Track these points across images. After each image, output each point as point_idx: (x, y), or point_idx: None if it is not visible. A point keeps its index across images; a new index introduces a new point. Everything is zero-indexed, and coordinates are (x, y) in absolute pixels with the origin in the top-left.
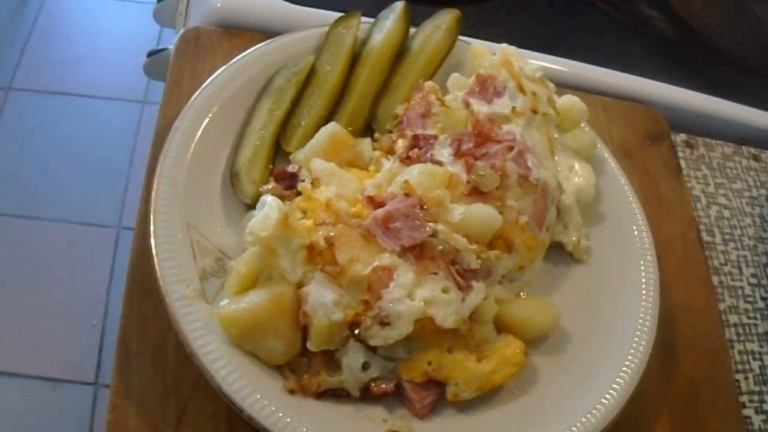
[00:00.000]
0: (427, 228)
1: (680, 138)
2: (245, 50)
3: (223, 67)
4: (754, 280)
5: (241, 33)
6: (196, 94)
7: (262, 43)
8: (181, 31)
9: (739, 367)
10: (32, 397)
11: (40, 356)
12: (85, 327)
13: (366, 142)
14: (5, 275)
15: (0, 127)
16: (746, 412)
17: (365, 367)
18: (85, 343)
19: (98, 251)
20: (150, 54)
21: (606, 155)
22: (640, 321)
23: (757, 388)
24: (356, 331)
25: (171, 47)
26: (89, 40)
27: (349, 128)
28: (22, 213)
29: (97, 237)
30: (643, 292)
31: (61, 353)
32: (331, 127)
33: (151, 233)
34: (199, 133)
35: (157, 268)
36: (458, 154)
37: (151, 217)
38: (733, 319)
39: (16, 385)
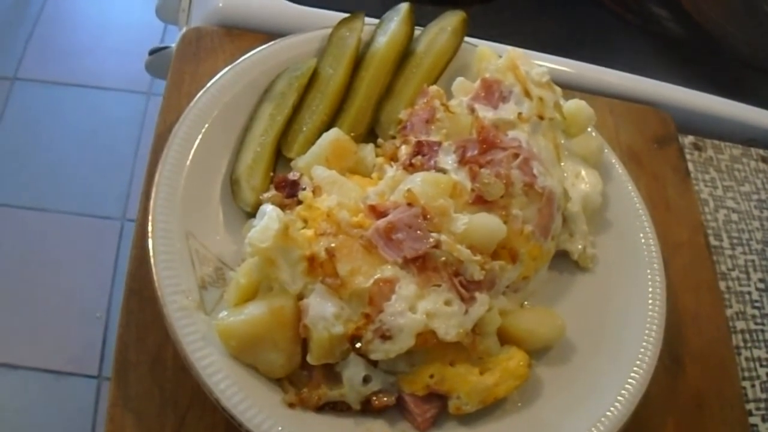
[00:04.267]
0: (430, 239)
1: (688, 140)
2: (247, 52)
3: (224, 71)
4: (761, 285)
5: (242, 34)
6: (195, 98)
7: (263, 46)
8: (183, 30)
9: (746, 374)
10: (36, 390)
11: (44, 348)
12: (88, 319)
13: (369, 148)
14: (9, 267)
15: (5, 117)
16: (753, 420)
17: (366, 380)
18: (89, 335)
19: (102, 243)
20: (152, 52)
21: (613, 161)
22: (647, 331)
23: (764, 396)
24: (357, 345)
25: (173, 46)
26: (95, 31)
27: (352, 134)
28: (26, 204)
29: (101, 229)
30: (650, 301)
31: (65, 345)
32: (333, 133)
33: (150, 242)
34: (198, 139)
35: (155, 278)
36: (462, 161)
37: (150, 225)
38: (740, 325)
39: (20, 377)
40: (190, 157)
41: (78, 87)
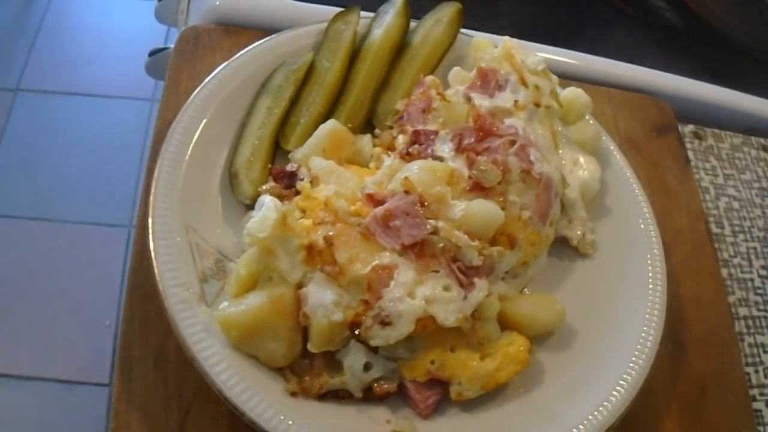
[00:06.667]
0: (428, 225)
1: (688, 129)
2: (244, 48)
3: (221, 66)
4: (764, 272)
5: (240, 31)
6: (193, 94)
7: (260, 41)
8: (181, 30)
9: (750, 360)
10: (47, 400)
11: (54, 358)
12: (98, 328)
13: (366, 139)
14: (17, 278)
15: (8, 128)
16: (757, 405)
17: (367, 367)
18: (99, 344)
19: (110, 251)
20: (151, 53)
21: (611, 148)
22: (648, 316)
23: (767, 381)
24: (357, 332)
25: (172, 46)
26: (96, 39)
27: (349, 125)
28: (32, 215)
29: (108, 237)
30: (650, 286)
31: (75, 355)
32: (331, 124)
33: (150, 236)
34: (197, 134)
35: (156, 271)
36: (459, 149)
37: (150, 220)
38: (743, 311)
39: (31, 388)
40: (189, 151)
41: (81, 96)
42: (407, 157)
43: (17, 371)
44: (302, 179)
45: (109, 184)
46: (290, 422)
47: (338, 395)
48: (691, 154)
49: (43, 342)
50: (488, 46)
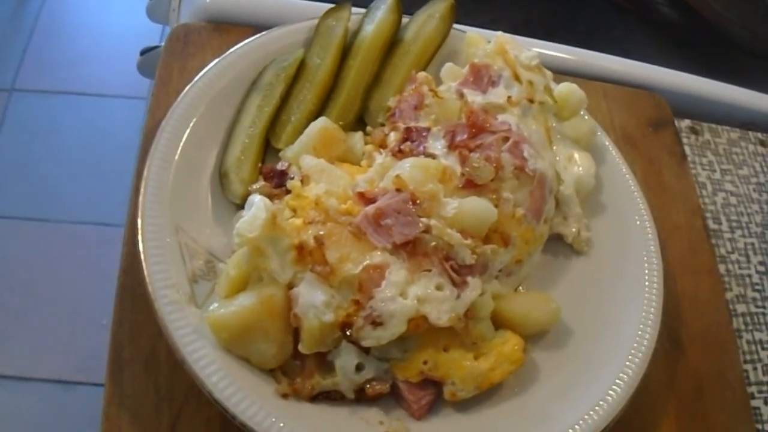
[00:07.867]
0: (420, 224)
1: (685, 124)
2: (234, 46)
3: (211, 64)
4: (762, 268)
5: (230, 28)
6: (182, 93)
7: (250, 38)
8: (172, 28)
9: (748, 357)
10: (44, 401)
11: (51, 359)
12: (95, 327)
13: (358, 136)
14: (12, 278)
15: (4, 128)
16: (755, 403)
17: (359, 368)
18: (96, 343)
19: (106, 250)
20: (143, 52)
21: (607, 143)
22: (644, 313)
23: (766, 379)
24: (348, 332)
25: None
26: (92, 38)
27: (340, 122)
28: (28, 215)
29: (104, 236)
30: (647, 283)
31: (72, 355)
32: (321, 122)
33: (139, 238)
34: (186, 133)
35: (145, 273)
36: (452, 146)
37: (139, 221)
38: (740, 308)
39: (28, 388)
40: (179, 151)
41: (76, 95)
42: (399, 154)
43: (14, 372)
44: (293, 178)
45: (106, 183)
46: (282, 424)
47: (330, 396)
48: (687, 150)
49: (39, 342)
50: (481, 42)
